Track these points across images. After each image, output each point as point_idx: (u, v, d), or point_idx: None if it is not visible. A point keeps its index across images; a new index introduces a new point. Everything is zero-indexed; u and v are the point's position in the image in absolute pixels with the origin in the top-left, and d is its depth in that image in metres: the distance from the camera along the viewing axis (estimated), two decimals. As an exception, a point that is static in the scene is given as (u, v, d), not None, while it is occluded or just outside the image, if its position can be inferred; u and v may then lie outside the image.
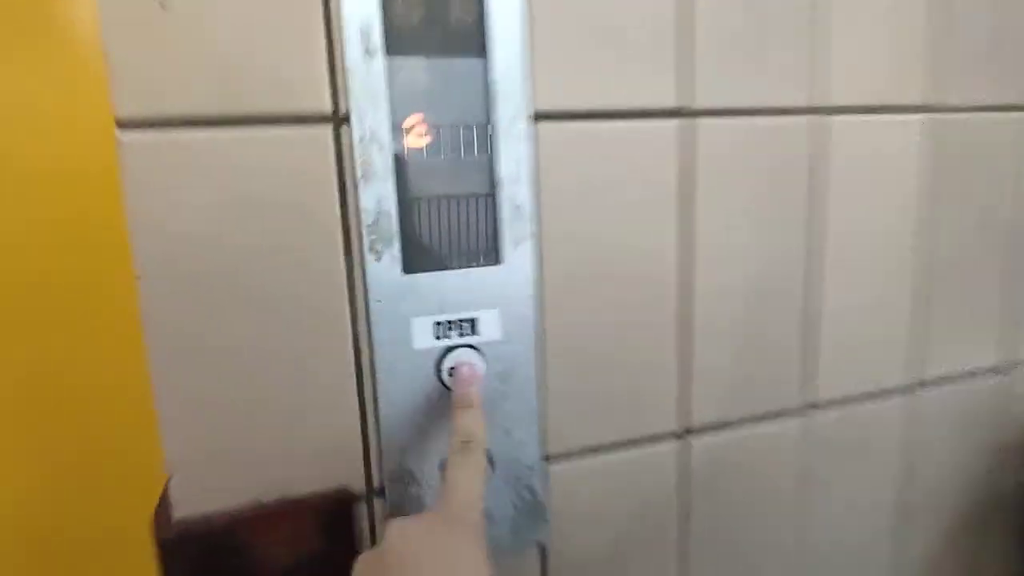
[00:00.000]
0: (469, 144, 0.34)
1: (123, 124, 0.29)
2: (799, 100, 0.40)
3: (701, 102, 0.37)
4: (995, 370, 0.50)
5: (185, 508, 0.32)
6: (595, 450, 0.39)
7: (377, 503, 0.35)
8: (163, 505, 0.32)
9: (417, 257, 0.34)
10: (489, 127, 0.34)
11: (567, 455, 0.39)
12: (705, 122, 0.37)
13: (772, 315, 0.42)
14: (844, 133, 0.41)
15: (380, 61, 0.31)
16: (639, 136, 0.36)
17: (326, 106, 0.31)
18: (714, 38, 0.37)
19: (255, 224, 0.31)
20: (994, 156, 0.47)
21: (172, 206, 0.30)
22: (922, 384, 0.47)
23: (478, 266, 0.35)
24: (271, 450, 0.33)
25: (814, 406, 0.44)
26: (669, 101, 0.37)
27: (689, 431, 0.41)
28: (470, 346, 0.35)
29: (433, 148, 0.33)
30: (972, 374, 0.49)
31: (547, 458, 0.38)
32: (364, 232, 0.32)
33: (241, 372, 0.32)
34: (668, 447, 0.41)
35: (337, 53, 0.31)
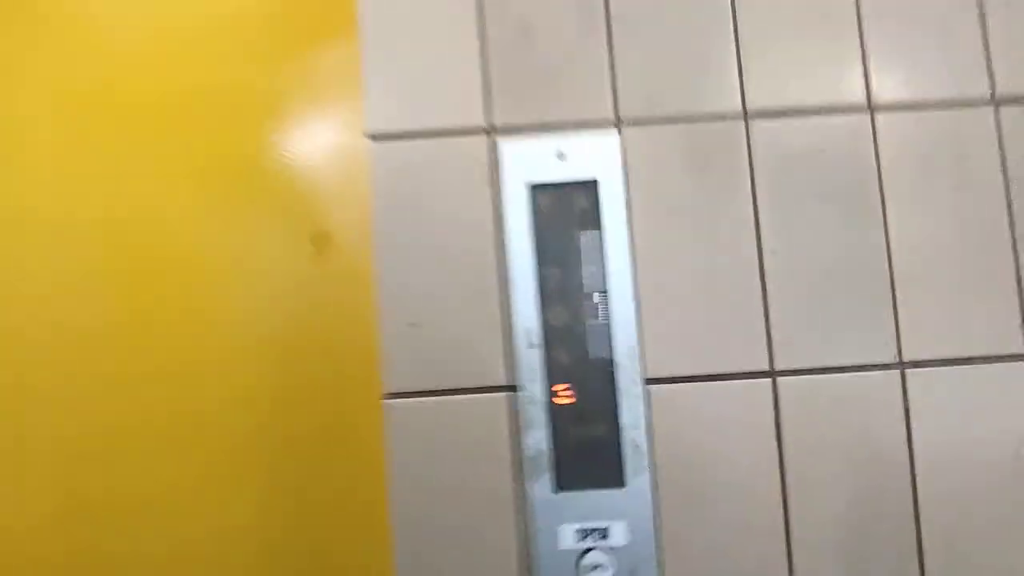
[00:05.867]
0: (599, 402, 0.48)
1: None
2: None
3: (779, 365, 0.48)
4: None
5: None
6: (713, 642, 0.48)
7: (534, 666, 0.48)
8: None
9: (564, 480, 0.48)
10: (615, 391, 0.48)
11: (687, 644, 0.48)
12: (786, 380, 0.48)
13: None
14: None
15: (537, 351, 0.48)
16: (734, 392, 0.48)
17: (503, 380, 0.48)
18: (789, 310, 0.48)
19: (465, 455, 0.48)
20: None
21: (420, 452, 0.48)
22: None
23: (608, 488, 0.48)
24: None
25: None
26: (763, 365, 0.48)
27: (799, 636, 0.48)
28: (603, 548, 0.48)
29: (575, 405, 0.48)
30: None
31: (670, 644, 0.48)
32: (527, 463, 0.48)
33: (455, 551, 0.48)
34: (779, 648, 0.48)
35: (511, 346, 0.48)
